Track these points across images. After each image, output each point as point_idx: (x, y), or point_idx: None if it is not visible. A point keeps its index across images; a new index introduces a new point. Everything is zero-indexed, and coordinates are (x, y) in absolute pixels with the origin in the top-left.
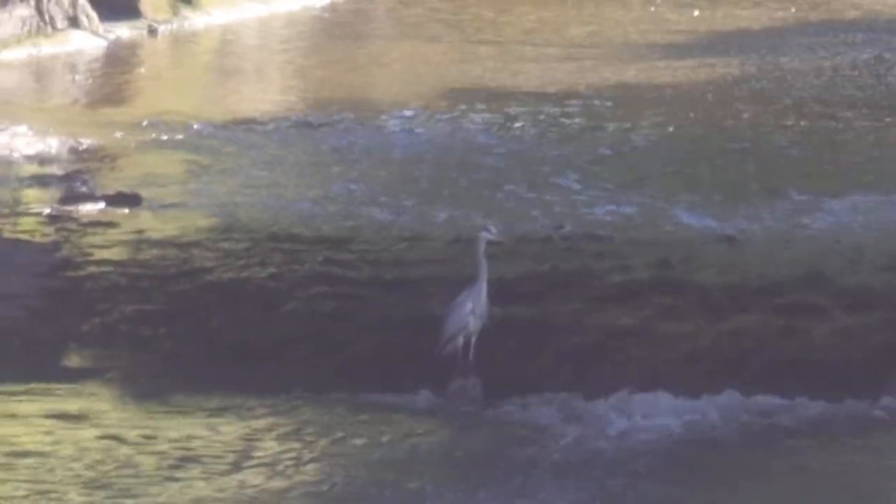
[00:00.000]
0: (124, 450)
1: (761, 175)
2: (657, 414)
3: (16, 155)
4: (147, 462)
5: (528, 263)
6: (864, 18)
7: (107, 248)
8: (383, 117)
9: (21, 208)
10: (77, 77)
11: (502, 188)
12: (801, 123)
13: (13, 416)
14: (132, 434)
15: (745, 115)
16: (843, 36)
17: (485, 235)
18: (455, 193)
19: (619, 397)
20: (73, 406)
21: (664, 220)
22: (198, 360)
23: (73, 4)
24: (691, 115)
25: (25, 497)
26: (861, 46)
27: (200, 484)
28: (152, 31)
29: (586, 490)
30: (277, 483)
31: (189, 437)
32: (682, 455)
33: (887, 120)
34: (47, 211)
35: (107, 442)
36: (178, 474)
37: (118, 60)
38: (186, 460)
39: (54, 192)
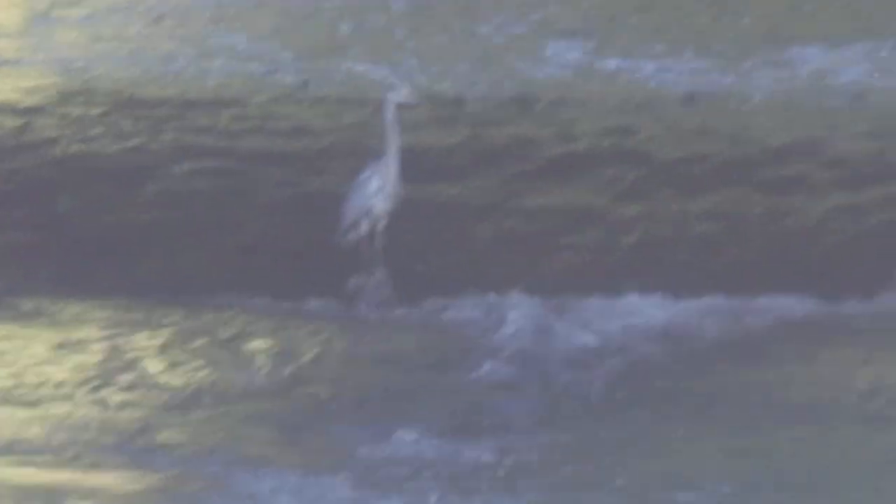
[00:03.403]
0: None
1: (741, 16)
2: (606, 316)
3: None
4: None
5: (448, 131)
6: None
7: None
8: None
9: None
10: None
11: (417, 37)
12: None
13: None
14: None
15: None
16: None
17: (394, 97)
18: (357, 42)
19: (558, 295)
20: None
21: (621, 76)
22: (40, 254)
23: None
24: None
25: None
26: None
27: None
28: None
29: (528, 407)
30: (136, 412)
31: (27, 351)
32: (632, 370)
33: None
34: None
35: None
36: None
37: None
38: (25, 382)
39: None
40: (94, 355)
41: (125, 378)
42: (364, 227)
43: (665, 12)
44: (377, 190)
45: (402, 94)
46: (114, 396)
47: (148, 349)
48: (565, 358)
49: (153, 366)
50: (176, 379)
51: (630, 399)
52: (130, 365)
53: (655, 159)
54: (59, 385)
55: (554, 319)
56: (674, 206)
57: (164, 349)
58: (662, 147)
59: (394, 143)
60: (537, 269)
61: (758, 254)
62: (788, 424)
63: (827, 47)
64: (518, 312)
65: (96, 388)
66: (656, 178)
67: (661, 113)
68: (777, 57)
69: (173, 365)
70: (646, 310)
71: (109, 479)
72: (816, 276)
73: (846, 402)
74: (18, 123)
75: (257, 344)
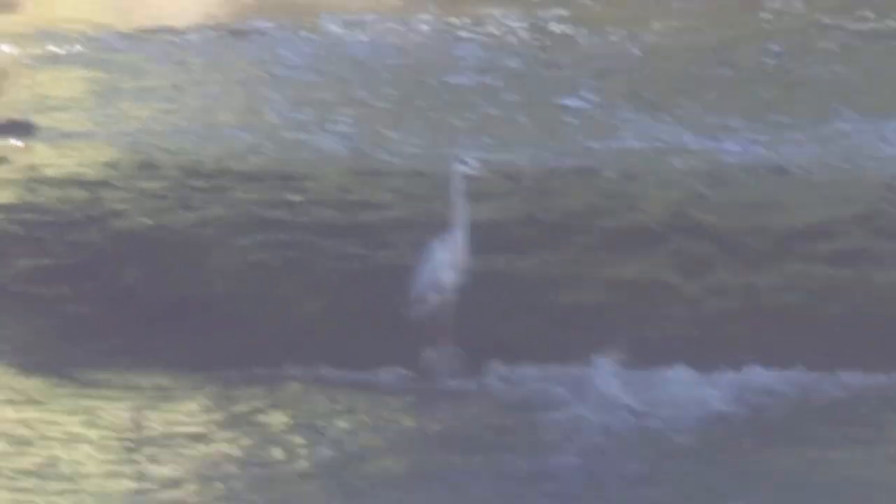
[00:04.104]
0: (13, 439)
1: (803, 92)
2: (676, 389)
3: None
4: (41, 454)
5: (516, 204)
6: None
7: None
8: (332, 22)
9: None
10: None
11: (484, 110)
12: (859, 24)
13: None
14: (22, 418)
15: (785, 15)
16: None
17: (462, 169)
18: (424, 116)
19: (625, 369)
20: None
21: (684, 149)
22: (108, 326)
23: None
24: (717, 16)
25: None
26: None
27: (110, 482)
28: None
29: (596, 480)
30: (204, 484)
31: (97, 422)
32: (704, 441)
33: None
34: None
35: None
36: (81, 468)
37: None
38: (94, 450)
39: None
40: (158, 426)
41: (179, 450)
42: (432, 300)
43: (729, 87)
44: (445, 262)
45: (469, 166)
46: (166, 470)
47: (208, 421)
48: (633, 436)
49: (207, 438)
50: (226, 449)
51: (700, 477)
52: (187, 437)
53: (720, 232)
54: (120, 459)
55: (620, 394)
56: (739, 279)
57: (225, 420)
58: (727, 220)
59: (461, 216)
60: (604, 342)
61: (825, 327)
62: None
63: (891, 121)
64: (583, 386)
65: (156, 461)
66: (721, 250)
67: (725, 186)
68: (840, 130)
69: (223, 436)
70: (712, 384)
71: None
72: (883, 349)
73: None
74: (86, 196)
75: (320, 417)
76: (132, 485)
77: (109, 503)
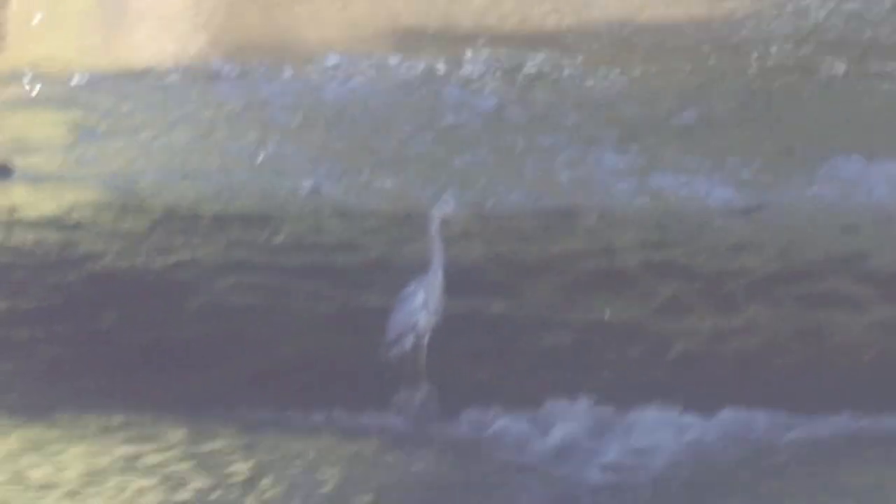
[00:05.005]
0: None
1: (781, 132)
2: (650, 431)
3: None
4: (18, 500)
5: (492, 245)
6: None
7: None
8: (311, 65)
9: None
10: None
11: (461, 152)
12: (837, 68)
13: None
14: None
15: (762, 59)
16: None
17: (438, 212)
18: (401, 159)
19: (602, 410)
20: None
21: (661, 190)
22: (85, 368)
23: None
24: (695, 59)
25: None
26: None
27: None
28: None
29: None
30: None
31: (75, 466)
32: (674, 492)
33: None
34: None
35: None
36: None
37: None
38: (70, 496)
39: None
40: (136, 473)
41: (152, 494)
42: (408, 342)
43: (709, 129)
44: (421, 305)
45: (446, 208)
46: None
47: (182, 464)
48: (606, 482)
49: (181, 481)
50: (198, 493)
51: None
52: (159, 480)
53: (695, 274)
54: None
55: (596, 436)
56: (713, 321)
57: (199, 464)
58: (702, 262)
59: (438, 258)
60: (579, 384)
61: (797, 371)
62: None
63: (867, 161)
64: (560, 429)
65: None
66: (696, 293)
67: (700, 227)
68: (816, 171)
69: (196, 479)
70: (685, 427)
71: None
72: (856, 393)
73: None
74: (63, 239)
75: (292, 462)
76: None
77: None
